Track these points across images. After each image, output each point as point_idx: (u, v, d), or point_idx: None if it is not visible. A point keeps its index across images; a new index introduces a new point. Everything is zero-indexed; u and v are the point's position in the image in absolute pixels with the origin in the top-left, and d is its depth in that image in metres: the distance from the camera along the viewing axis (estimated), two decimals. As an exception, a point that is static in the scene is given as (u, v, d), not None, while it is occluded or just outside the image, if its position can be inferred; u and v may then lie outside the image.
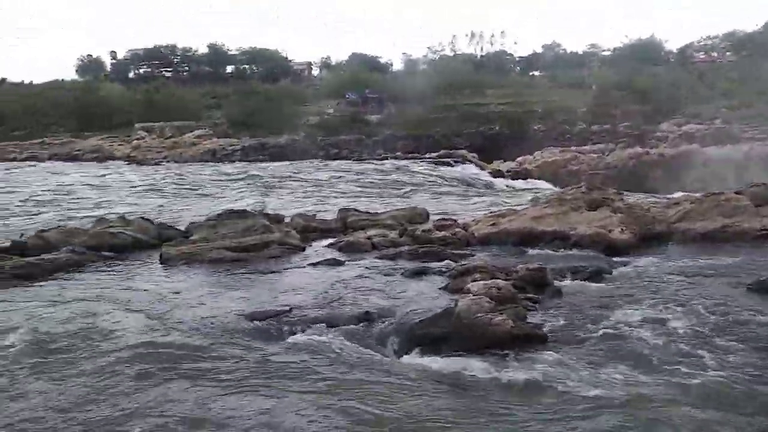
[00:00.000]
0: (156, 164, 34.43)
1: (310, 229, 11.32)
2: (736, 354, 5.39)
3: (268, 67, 72.78)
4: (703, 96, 40.95)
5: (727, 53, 63.77)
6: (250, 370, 5.31)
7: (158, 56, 77.16)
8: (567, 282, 7.82)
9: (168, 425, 4.34)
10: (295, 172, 25.77)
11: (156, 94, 56.64)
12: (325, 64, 78.18)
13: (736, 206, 10.59)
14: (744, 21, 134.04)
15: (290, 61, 76.48)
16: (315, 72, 79.43)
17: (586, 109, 43.68)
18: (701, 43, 67.68)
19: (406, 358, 5.67)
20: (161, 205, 17.06)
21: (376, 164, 28.99)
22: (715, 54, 65.02)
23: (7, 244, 9.63)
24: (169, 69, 77.86)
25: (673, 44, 64.57)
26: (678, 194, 16.01)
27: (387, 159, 31.19)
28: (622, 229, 10.02)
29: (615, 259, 9.13)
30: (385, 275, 8.26)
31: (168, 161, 35.60)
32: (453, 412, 4.55)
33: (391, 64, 71.29)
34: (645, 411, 4.42)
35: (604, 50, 68.19)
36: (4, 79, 71.18)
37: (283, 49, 78.79)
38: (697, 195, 11.76)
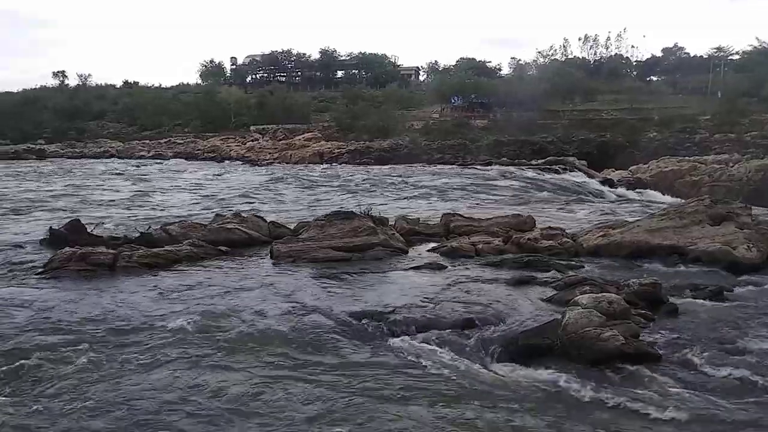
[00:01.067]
0: (268, 164, 36.10)
1: (414, 233, 11.39)
2: None
3: (377, 72, 74.15)
4: None
5: None
6: (349, 368, 5.44)
7: (274, 62, 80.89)
8: (684, 300, 7.35)
9: (257, 418, 4.56)
10: (399, 176, 26.08)
11: (269, 97, 59.41)
12: (433, 69, 78.51)
13: None
14: None
15: (398, 66, 77.52)
16: (422, 77, 79.94)
17: (709, 117, 40.85)
18: None
19: (507, 369, 5.55)
20: (273, 204, 17.86)
21: (480, 169, 28.69)
22: None
23: (137, 235, 10.49)
24: (283, 74, 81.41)
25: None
26: (815, 211, 14.61)
27: (492, 164, 30.74)
28: (748, 246, 9.28)
29: (739, 278, 8.48)
30: (488, 282, 8.15)
31: (279, 162, 37.21)
32: (552, 429, 4.42)
33: (500, 69, 70.43)
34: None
35: (731, 54, 63.42)
36: (136, 82, 77.55)
37: (392, 54, 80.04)
38: (839, 213, 10.68)
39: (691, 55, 66.54)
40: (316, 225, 10.50)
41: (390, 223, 11.52)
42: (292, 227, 11.48)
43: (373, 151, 38.29)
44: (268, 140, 47.17)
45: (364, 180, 24.72)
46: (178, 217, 14.03)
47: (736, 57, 62.57)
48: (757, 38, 71.56)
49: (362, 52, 78.10)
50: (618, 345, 5.59)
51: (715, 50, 64.32)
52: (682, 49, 68.61)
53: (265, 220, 11.58)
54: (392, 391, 5.01)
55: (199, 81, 78.22)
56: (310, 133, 46.80)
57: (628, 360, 5.55)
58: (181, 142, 49.95)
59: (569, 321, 5.93)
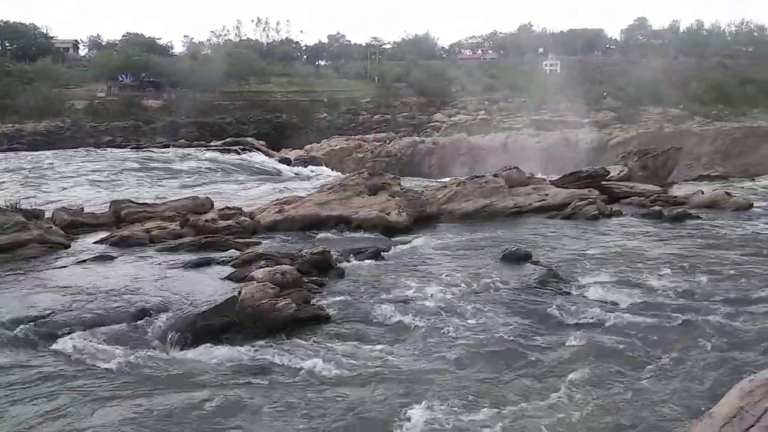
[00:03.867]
0: None
1: (78, 224, 10.29)
2: (488, 315, 6.13)
3: (24, 44, 63.85)
4: (470, 89, 45.45)
5: (489, 51, 71.50)
6: (7, 383, 4.69)
7: None
8: (350, 263, 8.18)
9: None
10: (59, 162, 23.11)
11: None
12: (95, 43, 71.05)
13: (493, 188, 11.98)
14: (502, 24, 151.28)
15: (52, 38, 68.01)
16: (82, 51, 71.81)
17: (369, 100, 45.78)
18: (468, 41, 75.11)
19: (186, 352, 5.43)
20: None
21: (157, 152, 27.25)
22: (480, 52, 72.46)
23: None
24: None
25: (444, 41, 70.48)
26: (447, 178, 17.66)
27: (169, 147, 29.51)
28: (399, 212, 10.74)
29: (393, 239, 9.78)
30: (164, 268, 7.83)
31: None
32: (228, 402, 4.47)
33: (172, 47, 67.23)
34: (411, 380, 4.83)
35: (385, 43, 71.90)
36: None
37: (42, 24, 69.24)
38: (463, 178, 13.06)
39: (352, 42, 73.40)
40: (-57, 225, 8.65)
41: (47, 215, 10.16)
42: None
43: (25, 135, 33.30)
44: None
45: (14, 169, 21.24)
46: None
47: (389, 46, 71.22)
48: (405, 31, 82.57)
49: (4, 20, 66.25)
50: (291, 312, 5.94)
51: (372, 39, 72.17)
52: (344, 36, 75.15)
53: None
54: (54, 395, 4.50)
55: None
56: (-65, 115, 38.16)
57: (301, 324, 5.95)
58: None
59: (245, 296, 6.07)
